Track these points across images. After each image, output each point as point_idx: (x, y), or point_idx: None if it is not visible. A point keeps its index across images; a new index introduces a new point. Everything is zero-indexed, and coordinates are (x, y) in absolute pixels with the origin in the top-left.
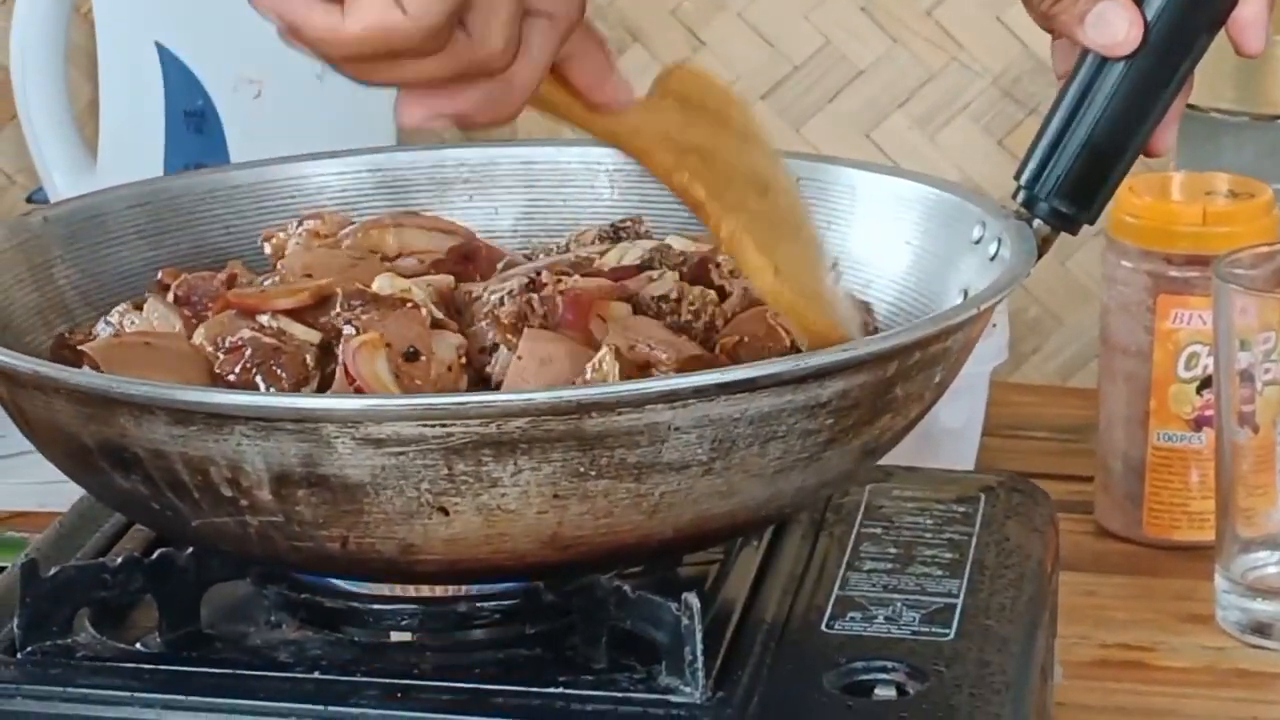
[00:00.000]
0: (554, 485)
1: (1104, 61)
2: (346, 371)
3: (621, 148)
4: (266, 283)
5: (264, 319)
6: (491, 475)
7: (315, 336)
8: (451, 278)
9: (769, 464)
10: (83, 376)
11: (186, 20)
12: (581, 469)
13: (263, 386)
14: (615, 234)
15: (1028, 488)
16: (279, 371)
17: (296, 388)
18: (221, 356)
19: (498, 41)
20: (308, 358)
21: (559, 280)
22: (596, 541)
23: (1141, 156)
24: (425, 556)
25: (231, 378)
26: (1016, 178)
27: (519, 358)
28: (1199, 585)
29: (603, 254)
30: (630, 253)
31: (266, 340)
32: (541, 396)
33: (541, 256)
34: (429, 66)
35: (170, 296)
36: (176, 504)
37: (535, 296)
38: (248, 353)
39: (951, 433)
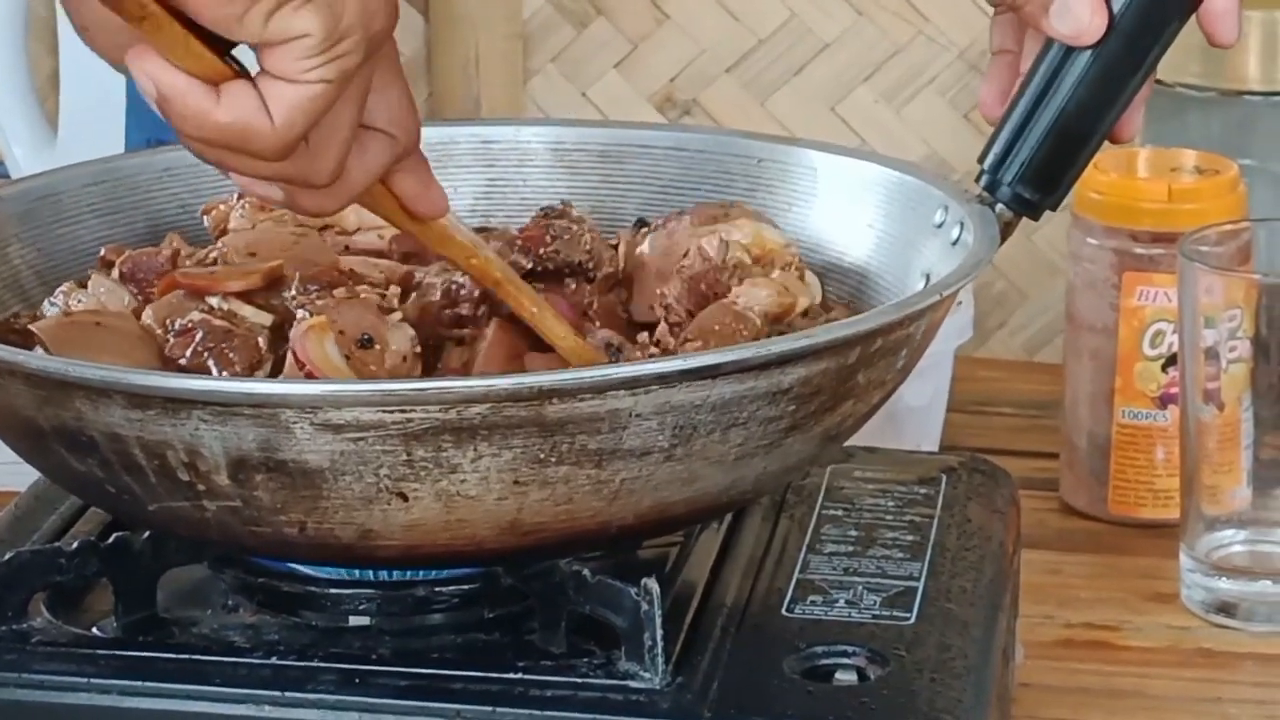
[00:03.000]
0: (514, 471)
1: (1071, 48)
2: (295, 356)
3: (427, 243)
4: (210, 257)
5: (214, 301)
6: (451, 461)
7: (267, 319)
8: (401, 266)
9: (730, 450)
10: (39, 360)
11: None
12: (542, 455)
13: (215, 370)
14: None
15: (989, 468)
16: (231, 355)
17: (250, 371)
18: (172, 339)
19: (329, 162)
20: (260, 340)
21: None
22: (557, 527)
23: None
24: (384, 542)
25: (183, 361)
26: (980, 161)
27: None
28: (1164, 564)
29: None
30: None
31: (217, 323)
32: (502, 382)
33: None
34: (269, 168)
35: (115, 274)
36: (133, 488)
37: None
38: (199, 335)
39: (916, 411)
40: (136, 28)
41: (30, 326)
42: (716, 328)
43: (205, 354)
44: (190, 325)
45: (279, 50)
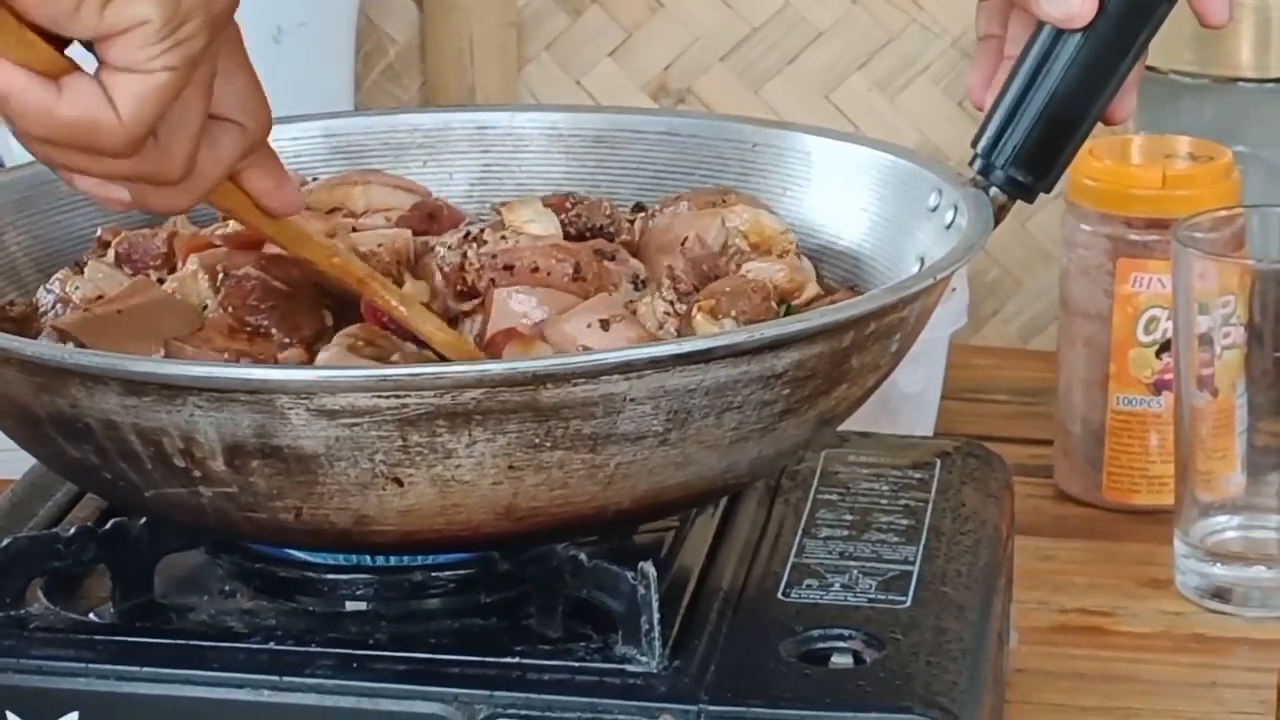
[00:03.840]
0: (509, 456)
1: (1062, 31)
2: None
3: (283, 245)
4: (217, 235)
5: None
6: (446, 446)
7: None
8: (408, 232)
9: (725, 434)
10: (34, 347)
11: None
12: (537, 440)
13: (277, 335)
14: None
15: (983, 453)
16: (298, 320)
17: (315, 340)
18: (223, 288)
19: (180, 155)
20: (326, 314)
21: (502, 238)
22: (552, 512)
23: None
24: (380, 528)
25: (235, 310)
26: (973, 145)
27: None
28: (1158, 550)
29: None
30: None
31: (278, 285)
32: (496, 367)
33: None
34: (117, 165)
35: (110, 255)
36: (129, 475)
37: (471, 250)
38: (255, 289)
39: (910, 397)
40: None
41: (54, 324)
42: (729, 289)
43: (265, 314)
44: (247, 277)
45: (118, 41)
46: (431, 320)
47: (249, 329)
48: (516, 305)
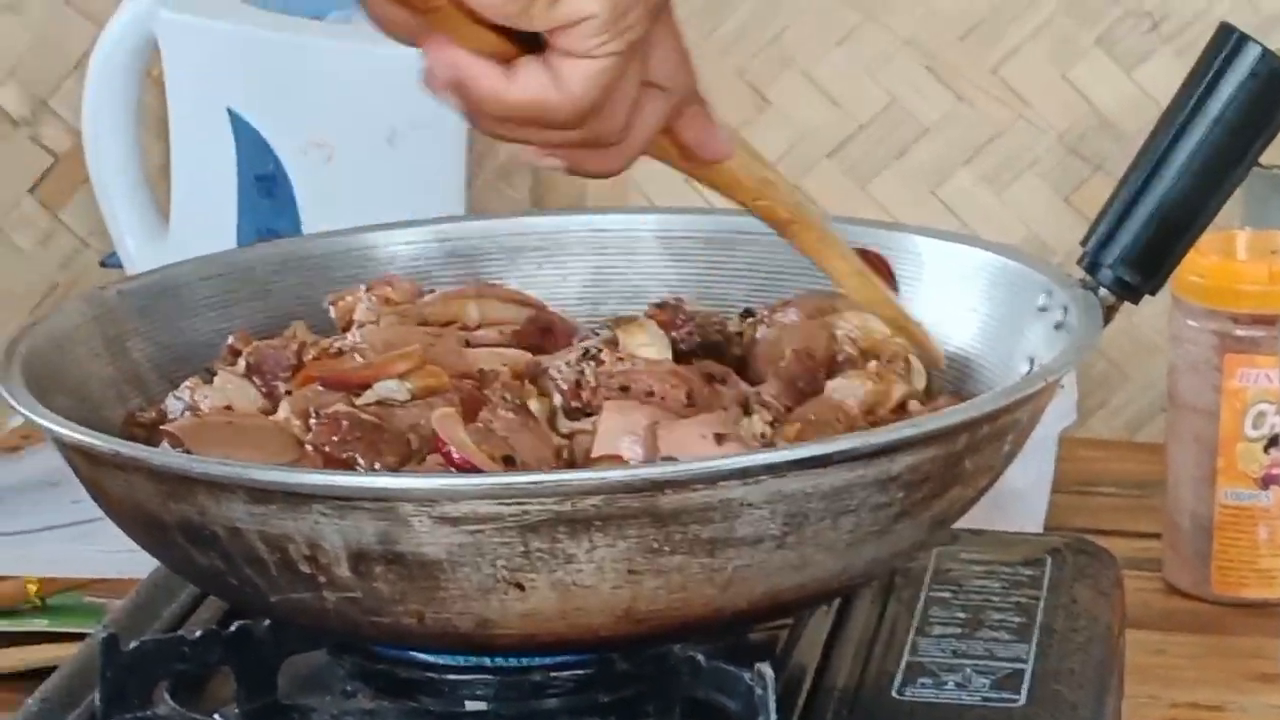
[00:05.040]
0: (629, 561)
1: (1178, 133)
2: (437, 439)
3: (713, 185)
4: (335, 347)
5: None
6: (567, 552)
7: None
8: (528, 354)
9: (841, 537)
10: (163, 456)
11: (257, 85)
12: (656, 545)
13: (362, 463)
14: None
15: (1094, 549)
16: (382, 448)
17: (400, 465)
18: (315, 427)
19: (617, 123)
20: (412, 437)
21: (619, 359)
22: (670, 615)
23: None
24: (501, 631)
25: (328, 449)
26: (1083, 244)
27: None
28: (1268, 643)
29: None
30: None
31: (365, 417)
32: (616, 475)
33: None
34: (564, 136)
35: (241, 364)
36: (254, 580)
37: (588, 368)
38: (344, 425)
39: (1020, 493)
40: (424, 19)
41: (165, 428)
42: (812, 417)
43: (352, 446)
44: (336, 415)
45: (567, 32)
46: (845, 265)
47: (339, 462)
48: (626, 424)
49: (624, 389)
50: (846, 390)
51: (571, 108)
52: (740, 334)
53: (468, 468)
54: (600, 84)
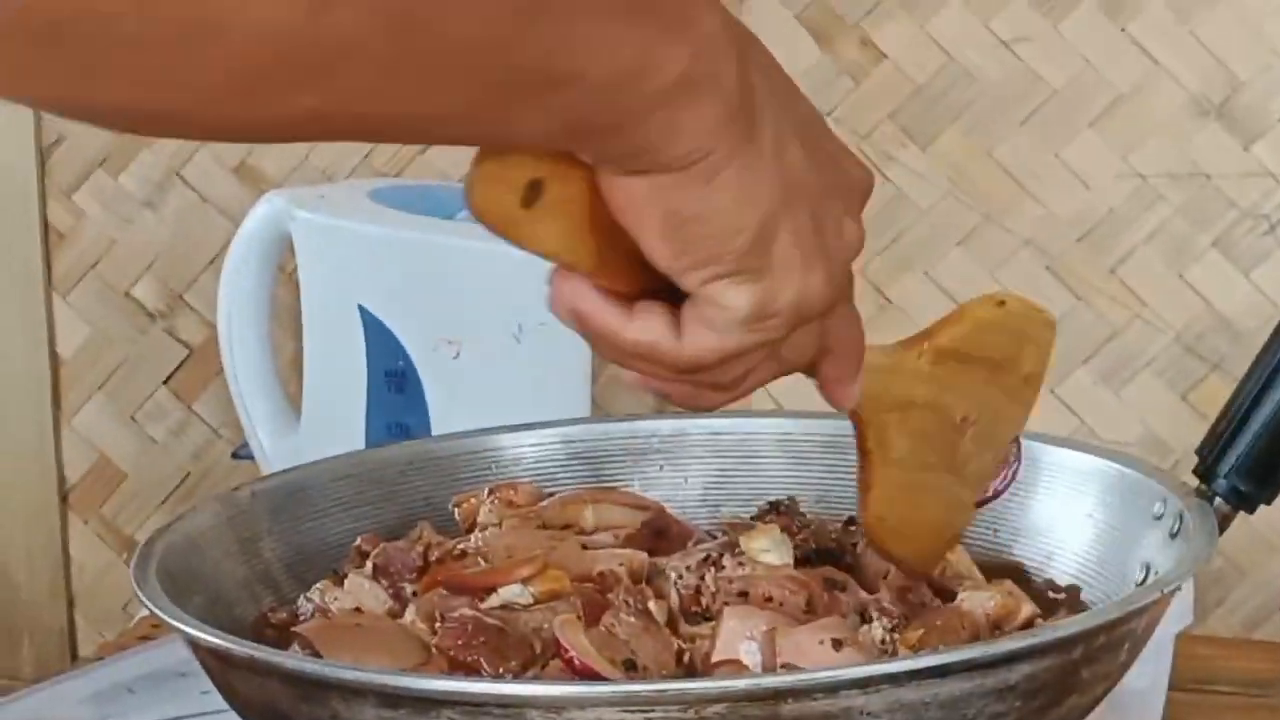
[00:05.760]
0: None
1: None
2: (559, 644)
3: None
4: (458, 549)
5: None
6: None
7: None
8: (645, 555)
9: None
10: (296, 660)
11: (387, 283)
12: None
13: (487, 667)
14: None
15: None
16: (507, 653)
17: (524, 669)
18: (440, 630)
19: (730, 379)
20: (535, 642)
21: (739, 564)
22: None
23: None
24: None
25: (452, 653)
26: (1198, 452)
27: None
28: None
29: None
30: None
31: (490, 621)
32: (739, 683)
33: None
34: (675, 376)
35: (369, 566)
36: None
37: (709, 573)
38: (469, 628)
39: (1137, 694)
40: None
41: (296, 630)
42: (939, 623)
43: (477, 649)
44: (463, 619)
45: (709, 310)
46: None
47: (465, 665)
48: (745, 629)
49: (743, 594)
50: (976, 601)
51: (685, 364)
52: (854, 543)
53: (588, 674)
54: (716, 357)
